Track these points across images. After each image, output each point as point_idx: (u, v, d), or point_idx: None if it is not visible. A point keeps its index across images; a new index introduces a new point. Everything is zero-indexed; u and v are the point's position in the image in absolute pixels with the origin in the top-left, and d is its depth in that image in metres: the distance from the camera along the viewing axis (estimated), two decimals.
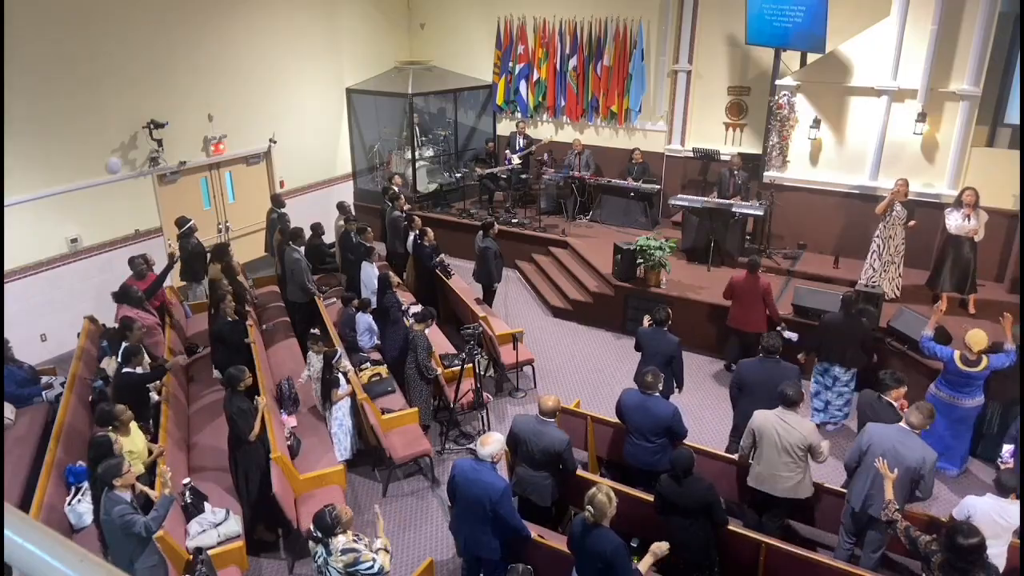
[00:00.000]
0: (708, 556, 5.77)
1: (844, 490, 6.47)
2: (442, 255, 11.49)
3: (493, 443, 5.62)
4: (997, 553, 5.53)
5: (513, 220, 14.13)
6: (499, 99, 15.95)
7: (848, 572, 5.54)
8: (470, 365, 8.52)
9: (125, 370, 7.48)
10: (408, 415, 8.20)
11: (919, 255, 11.65)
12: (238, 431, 6.70)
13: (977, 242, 9.74)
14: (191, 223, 10.82)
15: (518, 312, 12.30)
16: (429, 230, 11.53)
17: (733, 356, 9.94)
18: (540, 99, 15.58)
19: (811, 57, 12.00)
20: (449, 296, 11.44)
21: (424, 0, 16.55)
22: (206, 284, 10.95)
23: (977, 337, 7.58)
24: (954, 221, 9.69)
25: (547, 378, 10.18)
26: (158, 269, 9.85)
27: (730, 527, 5.96)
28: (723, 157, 13.52)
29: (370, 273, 10.54)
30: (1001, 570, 5.44)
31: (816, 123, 11.86)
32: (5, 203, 9.62)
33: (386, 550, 5.24)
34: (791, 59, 12.50)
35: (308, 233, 11.37)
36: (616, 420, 7.79)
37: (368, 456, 8.31)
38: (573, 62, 14.96)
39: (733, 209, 11.74)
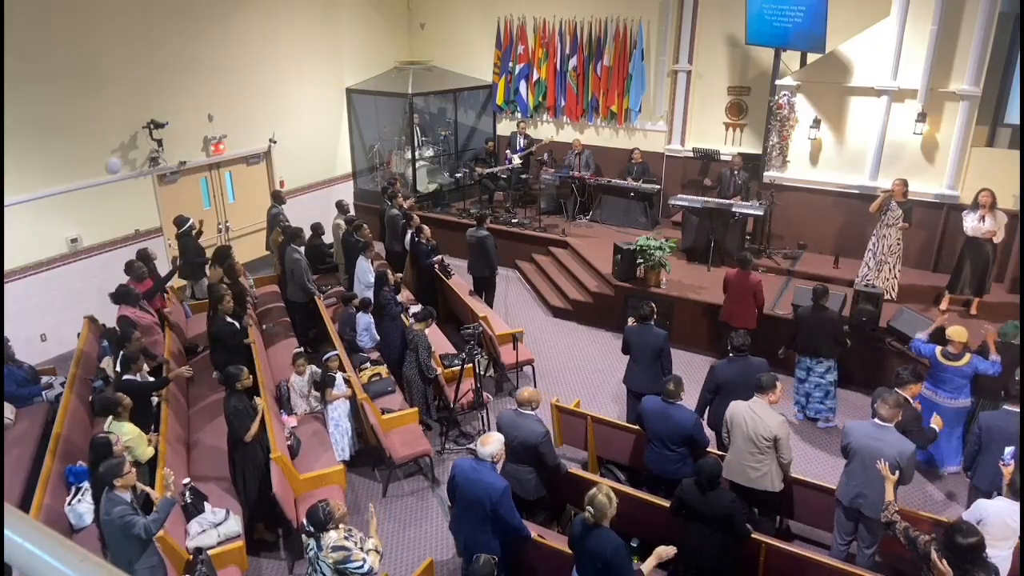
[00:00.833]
0: (722, 565, 5.75)
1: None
2: (441, 256, 11.49)
3: (493, 443, 5.62)
4: (1004, 556, 5.52)
5: (513, 220, 14.13)
6: (499, 99, 15.95)
7: (847, 572, 5.54)
8: (470, 365, 8.52)
9: (126, 377, 7.47)
10: (408, 415, 8.20)
11: (919, 255, 11.68)
12: (234, 431, 6.71)
13: (996, 244, 9.72)
14: (191, 222, 10.83)
15: (518, 312, 12.29)
16: (426, 227, 11.53)
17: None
18: (540, 99, 15.57)
19: (811, 57, 12.00)
20: (449, 296, 11.44)
21: (424, 0, 16.55)
22: (205, 284, 10.97)
23: (958, 332, 7.67)
24: (970, 223, 9.66)
25: (547, 378, 10.18)
26: (159, 264, 9.84)
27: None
28: (723, 157, 13.52)
29: (364, 268, 10.55)
30: (1006, 572, 5.44)
31: (816, 123, 11.86)
32: (5, 203, 9.62)
33: (377, 551, 5.23)
34: (791, 59, 12.50)
35: (308, 233, 11.38)
36: (618, 421, 7.81)
37: (368, 456, 8.31)
38: (573, 62, 14.97)
39: (733, 209, 11.74)
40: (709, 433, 7.24)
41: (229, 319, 8.79)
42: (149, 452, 6.63)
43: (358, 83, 15.39)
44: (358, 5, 15.33)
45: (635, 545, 6.47)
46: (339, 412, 7.97)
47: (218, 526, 6.52)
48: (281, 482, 6.66)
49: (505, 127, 16.31)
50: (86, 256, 10.81)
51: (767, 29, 12.04)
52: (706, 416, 7.72)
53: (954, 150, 11.15)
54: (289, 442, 7.57)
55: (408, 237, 11.68)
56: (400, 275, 10.90)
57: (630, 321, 8.33)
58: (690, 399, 9.13)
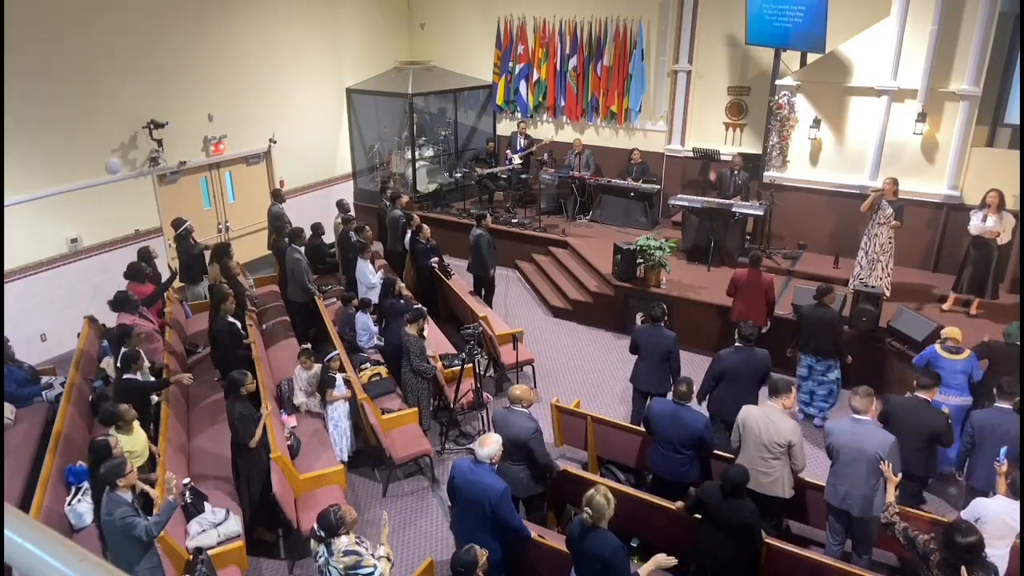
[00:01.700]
0: (734, 570, 5.73)
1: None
2: (441, 256, 11.49)
3: (491, 444, 5.61)
4: (1002, 555, 5.53)
5: (513, 220, 14.12)
6: (499, 99, 15.95)
7: (847, 572, 5.54)
8: (470, 365, 8.52)
9: (126, 376, 7.47)
10: (408, 415, 8.21)
11: (919, 255, 11.67)
12: (239, 436, 6.70)
13: (1001, 245, 9.71)
14: (187, 224, 10.84)
15: (518, 312, 12.29)
16: (426, 227, 11.53)
17: None
18: (540, 99, 15.57)
19: (811, 57, 12.00)
20: (449, 296, 11.44)
21: (424, 0, 16.55)
22: (205, 286, 10.97)
23: (952, 331, 7.81)
24: (974, 222, 9.67)
25: (547, 378, 10.18)
26: (159, 263, 9.84)
27: None
28: (723, 157, 13.52)
29: (365, 270, 10.55)
30: (1004, 571, 5.44)
31: (816, 123, 11.85)
32: (5, 203, 9.62)
33: (388, 559, 5.21)
34: (791, 59, 12.50)
35: (308, 233, 11.38)
36: (618, 421, 7.81)
37: (368, 456, 8.31)
38: (573, 62, 14.97)
39: (733, 209, 11.74)
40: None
41: (231, 319, 8.81)
42: (139, 461, 6.56)
43: (358, 83, 15.39)
44: (358, 5, 15.33)
45: (635, 545, 6.47)
46: (339, 412, 7.97)
47: (218, 526, 6.51)
48: (281, 482, 6.66)
49: (505, 127, 16.31)
50: (86, 256, 10.81)
51: (767, 29, 12.04)
52: (706, 403, 7.83)
53: (954, 150, 11.15)
54: (289, 442, 7.57)
55: (408, 237, 11.69)
56: (400, 275, 10.92)
57: (638, 320, 8.34)
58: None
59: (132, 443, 6.51)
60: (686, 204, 12.27)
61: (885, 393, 8.66)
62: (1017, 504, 5.64)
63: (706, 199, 12.33)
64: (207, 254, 10.96)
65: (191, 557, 6.00)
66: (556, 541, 5.95)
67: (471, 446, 8.15)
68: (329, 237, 12.33)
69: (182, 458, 7.57)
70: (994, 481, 6.10)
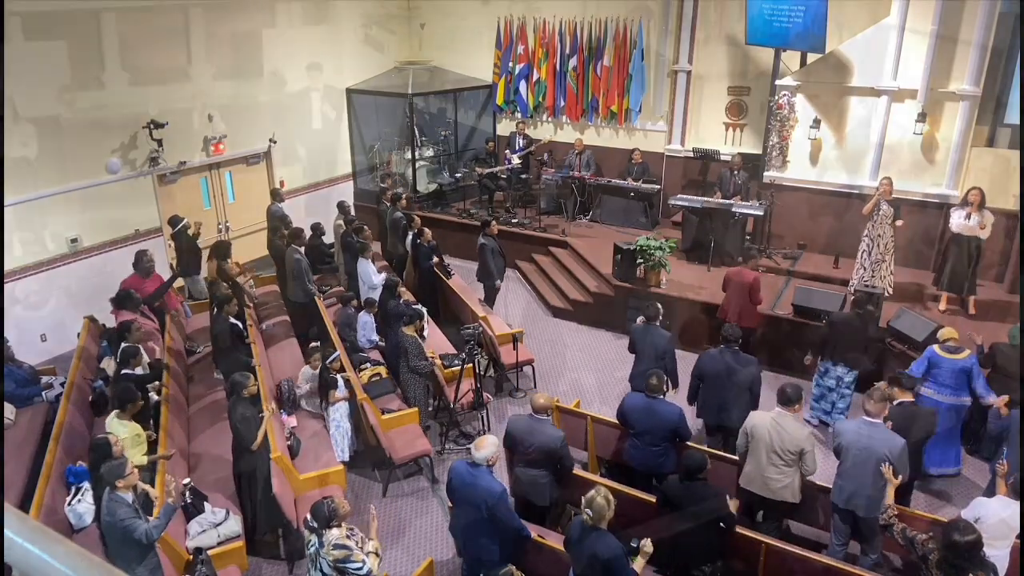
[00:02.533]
0: (709, 557, 5.76)
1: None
2: (441, 256, 11.49)
3: (488, 446, 5.60)
4: (1002, 555, 5.53)
5: (513, 220, 14.12)
6: (499, 99, 15.94)
7: (848, 572, 5.54)
8: (470, 365, 8.52)
9: (124, 371, 7.48)
10: (408, 415, 8.20)
11: (918, 255, 11.66)
12: (241, 439, 6.70)
13: (982, 242, 9.74)
14: (184, 221, 10.85)
15: (518, 312, 12.29)
16: (427, 230, 11.53)
17: None
18: (540, 99, 15.57)
19: (811, 57, 11.99)
20: (449, 296, 11.44)
21: (424, 0, 16.55)
22: (203, 283, 10.98)
23: (949, 331, 7.82)
24: (956, 220, 9.71)
25: (547, 378, 10.18)
26: (159, 267, 9.85)
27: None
28: (723, 157, 13.52)
29: (367, 270, 10.55)
30: (1004, 571, 5.44)
31: (816, 123, 11.85)
32: (5, 203, 9.62)
33: (377, 554, 5.24)
34: (791, 59, 12.49)
35: (308, 233, 11.38)
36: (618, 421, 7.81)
37: (368, 456, 8.31)
38: (573, 62, 14.96)
39: (733, 209, 11.74)
40: (695, 425, 7.30)
41: (233, 320, 8.81)
42: (141, 460, 6.60)
43: (358, 83, 15.38)
44: (358, 5, 15.32)
45: (635, 545, 6.47)
46: (340, 413, 7.97)
47: (218, 526, 6.52)
48: (281, 482, 6.66)
49: (505, 127, 16.30)
50: (86, 256, 10.81)
51: (767, 29, 12.04)
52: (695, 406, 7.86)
53: (954, 150, 11.14)
54: (289, 442, 7.57)
55: (409, 238, 11.68)
56: (401, 276, 10.91)
57: (638, 320, 8.32)
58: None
59: (129, 431, 6.58)
60: (686, 204, 12.26)
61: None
62: (1017, 505, 5.64)
63: (706, 199, 12.33)
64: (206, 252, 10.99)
65: (191, 557, 5.99)
66: (556, 541, 5.95)
67: (471, 446, 8.19)
68: (329, 237, 12.33)
69: (182, 458, 7.56)
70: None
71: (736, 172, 12.63)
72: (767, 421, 6.38)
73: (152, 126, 11.17)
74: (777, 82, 12.17)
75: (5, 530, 1.04)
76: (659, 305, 8.28)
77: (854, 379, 8.66)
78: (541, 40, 15.19)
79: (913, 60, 11.02)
